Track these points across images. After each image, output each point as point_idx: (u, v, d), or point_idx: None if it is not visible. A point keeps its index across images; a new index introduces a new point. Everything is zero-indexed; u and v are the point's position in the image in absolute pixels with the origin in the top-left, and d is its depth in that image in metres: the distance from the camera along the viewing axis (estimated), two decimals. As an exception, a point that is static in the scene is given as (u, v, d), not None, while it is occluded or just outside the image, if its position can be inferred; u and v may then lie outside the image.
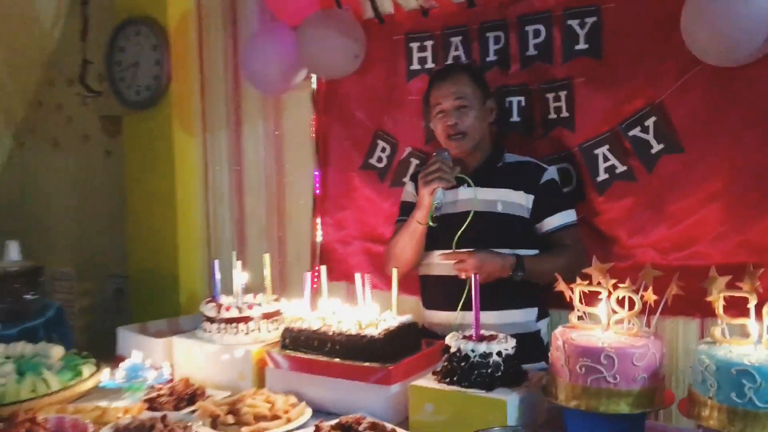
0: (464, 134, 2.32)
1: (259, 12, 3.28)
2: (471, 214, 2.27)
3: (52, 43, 4.23)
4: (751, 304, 1.50)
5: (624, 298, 1.67)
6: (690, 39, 2.08)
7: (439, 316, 2.37)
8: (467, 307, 2.13)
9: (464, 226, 2.26)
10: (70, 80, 4.13)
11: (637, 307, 1.65)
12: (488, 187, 2.31)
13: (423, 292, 2.49)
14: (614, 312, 1.68)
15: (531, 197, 2.30)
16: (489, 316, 2.16)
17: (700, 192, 2.25)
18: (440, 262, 2.32)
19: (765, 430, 1.38)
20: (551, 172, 2.35)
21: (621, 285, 1.68)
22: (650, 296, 1.64)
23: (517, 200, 2.30)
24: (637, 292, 1.66)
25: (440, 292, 2.35)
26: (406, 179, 2.64)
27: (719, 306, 1.54)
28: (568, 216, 2.32)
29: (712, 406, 1.45)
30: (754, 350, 1.48)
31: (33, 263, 3.48)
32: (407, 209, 2.42)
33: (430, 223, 2.27)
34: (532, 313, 2.32)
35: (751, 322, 1.50)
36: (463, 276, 2.19)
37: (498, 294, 2.21)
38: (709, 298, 1.55)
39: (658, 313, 1.66)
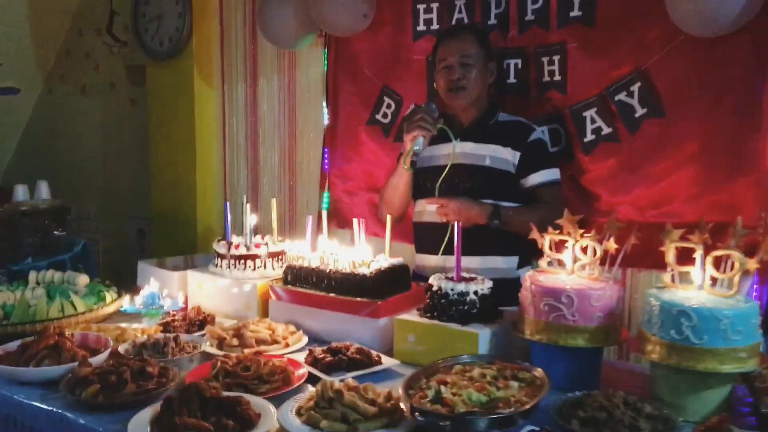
0: (464, 89, 2.47)
1: (277, -30, 3.43)
2: (448, 166, 2.44)
3: (81, -7, 4.40)
4: (698, 254, 1.68)
5: (588, 246, 1.86)
6: (673, 10, 2.20)
7: (428, 259, 2.56)
8: (449, 251, 2.32)
9: (443, 175, 2.44)
10: (98, 30, 4.29)
11: (598, 254, 1.83)
12: (479, 143, 2.48)
13: (415, 238, 2.68)
14: (578, 259, 1.87)
15: (518, 154, 2.45)
16: (472, 261, 2.36)
17: (678, 155, 2.39)
18: (428, 210, 2.51)
19: (698, 363, 1.57)
20: (539, 132, 2.50)
21: (586, 235, 1.86)
22: (611, 246, 1.82)
23: (504, 156, 2.46)
24: (601, 242, 1.85)
25: (428, 237, 2.54)
26: None
27: (670, 255, 1.72)
28: (551, 174, 2.48)
29: (655, 341, 1.65)
30: (695, 294, 1.66)
31: (61, 202, 3.72)
32: None
33: (406, 168, 2.46)
34: (513, 260, 2.50)
35: (695, 270, 1.69)
36: (444, 220, 2.38)
37: (481, 241, 2.39)
38: (662, 248, 1.73)
39: (618, 260, 1.83)
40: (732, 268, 1.64)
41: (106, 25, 4.12)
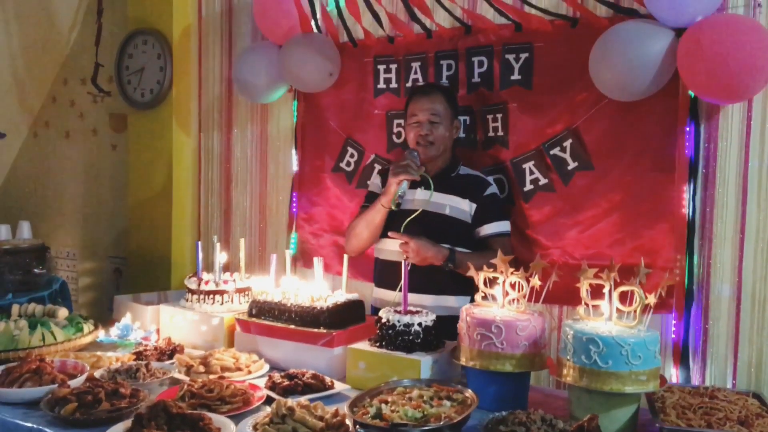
0: (431, 144, 2.68)
1: (251, 31, 3.71)
2: (419, 211, 2.63)
3: (68, 46, 4.62)
4: (606, 290, 1.93)
5: (516, 283, 2.10)
6: (596, 78, 2.50)
7: (385, 294, 2.75)
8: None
9: (411, 216, 2.61)
10: (83, 80, 4.51)
11: (525, 290, 2.08)
12: (442, 193, 2.68)
13: (375, 272, 2.88)
14: (507, 294, 2.11)
15: (474, 206, 2.68)
16: (426, 299, 2.58)
17: (605, 203, 2.66)
18: (390, 249, 2.70)
19: (604, 384, 1.81)
20: (493, 187, 2.73)
21: (515, 272, 2.11)
22: (536, 282, 2.07)
23: (462, 206, 2.67)
24: (528, 280, 2.09)
25: (387, 274, 2.73)
26: (371, 179, 2.99)
27: (584, 290, 1.97)
28: (502, 226, 2.70)
29: (569, 366, 1.89)
30: (603, 325, 1.91)
31: (41, 242, 3.91)
32: (372, 198, 2.80)
33: (393, 207, 2.62)
34: (465, 300, 2.66)
35: (604, 304, 1.93)
36: (405, 257, 2.52)
37: (436, 281, 2.62)
38: (577, 285, 1.98)
39: (543, 296, 2.08)
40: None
41: (91, 76, 4.34)
